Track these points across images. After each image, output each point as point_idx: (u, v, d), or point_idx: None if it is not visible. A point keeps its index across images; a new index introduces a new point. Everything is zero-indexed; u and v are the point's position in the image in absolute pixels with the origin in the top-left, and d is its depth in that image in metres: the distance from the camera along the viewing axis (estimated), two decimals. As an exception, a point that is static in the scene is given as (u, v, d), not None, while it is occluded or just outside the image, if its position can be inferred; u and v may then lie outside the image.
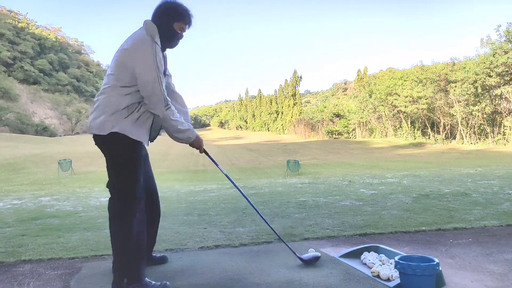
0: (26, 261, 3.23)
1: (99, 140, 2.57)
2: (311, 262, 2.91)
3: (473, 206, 5.28)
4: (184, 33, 2.74)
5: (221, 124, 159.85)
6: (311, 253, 3.03)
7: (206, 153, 2.91)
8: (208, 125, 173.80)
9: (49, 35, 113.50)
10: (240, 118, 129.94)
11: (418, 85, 47.69)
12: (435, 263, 2.30)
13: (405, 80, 50.72)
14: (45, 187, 14.47)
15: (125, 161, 2.56)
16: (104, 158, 2.62)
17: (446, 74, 44.34)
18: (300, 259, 2.93)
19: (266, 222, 3.16)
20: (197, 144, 2.77)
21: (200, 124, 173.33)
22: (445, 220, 4.41)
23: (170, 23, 2.64)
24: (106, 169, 2.60)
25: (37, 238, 4.13)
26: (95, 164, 28.94)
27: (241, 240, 3.72)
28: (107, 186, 2.62)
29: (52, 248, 3.63)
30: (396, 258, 2.44)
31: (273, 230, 3.20)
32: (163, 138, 3.11)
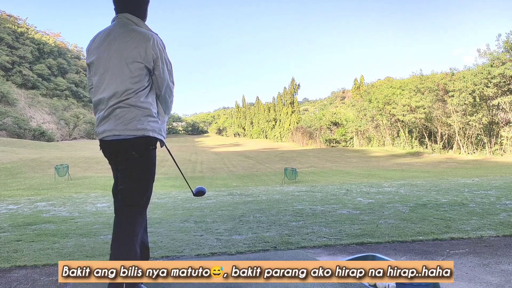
0: (21, 267, 3.21)
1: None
2: (199, 195, 2.92)
3: (470, 216, 5.28)
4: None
5: (219, 131, 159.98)
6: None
7: None
8: (206, 131, 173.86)
9: (49, 40, 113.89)
10: (238, 125, 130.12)
11: (416, 94, 47.91)
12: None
13: (403, 90, 50.96)
14: (42, 192, 14.41)
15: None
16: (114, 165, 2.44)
17: (445, 84, 44.57)
18: (193, 193, 2.93)
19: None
20: None
21: (198, 130, 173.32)
22: (442, 230, 4.40)
23: None
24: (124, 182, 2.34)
25: (32, 243, 4.11)
26: (92, 170, 28.86)
27: (238, 248, 3.71)
28: (130, 203, 2.32)
29: (48, 254, 3.60)
30: (393, 267, 2.43)
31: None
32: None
